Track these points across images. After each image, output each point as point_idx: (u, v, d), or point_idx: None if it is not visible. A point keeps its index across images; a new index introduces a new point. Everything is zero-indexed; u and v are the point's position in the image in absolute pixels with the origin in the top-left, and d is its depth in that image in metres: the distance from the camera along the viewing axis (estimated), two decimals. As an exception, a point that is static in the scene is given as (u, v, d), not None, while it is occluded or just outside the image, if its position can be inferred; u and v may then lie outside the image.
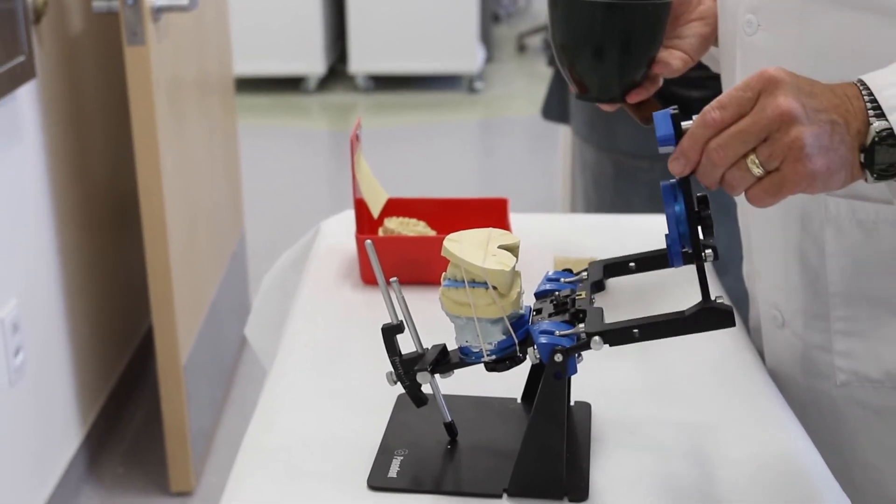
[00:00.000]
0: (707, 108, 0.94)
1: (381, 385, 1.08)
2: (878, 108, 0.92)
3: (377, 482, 1.03)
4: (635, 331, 0.98)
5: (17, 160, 2.26)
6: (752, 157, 0.91)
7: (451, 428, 1.08)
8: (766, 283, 1.28)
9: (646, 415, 1.15)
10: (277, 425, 1.15)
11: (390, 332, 1.04)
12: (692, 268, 1.51)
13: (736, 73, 1.21)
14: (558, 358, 0.97)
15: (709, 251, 0.99)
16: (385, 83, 6.56)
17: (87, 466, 2.66)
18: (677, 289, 1.46)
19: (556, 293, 1.08)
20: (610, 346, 0.98)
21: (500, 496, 1.01)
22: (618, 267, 1.11)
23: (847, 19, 1.07)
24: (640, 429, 1.12)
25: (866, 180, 0.93)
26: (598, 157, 2.60)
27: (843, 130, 0.92)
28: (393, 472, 1.04)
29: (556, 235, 1.65)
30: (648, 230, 1.68)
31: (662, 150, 0.96)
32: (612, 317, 1.38)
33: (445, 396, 1.08)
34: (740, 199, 1.32)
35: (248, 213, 3.68)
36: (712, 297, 0.99)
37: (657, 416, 1.14)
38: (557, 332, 0.99)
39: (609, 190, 2.59)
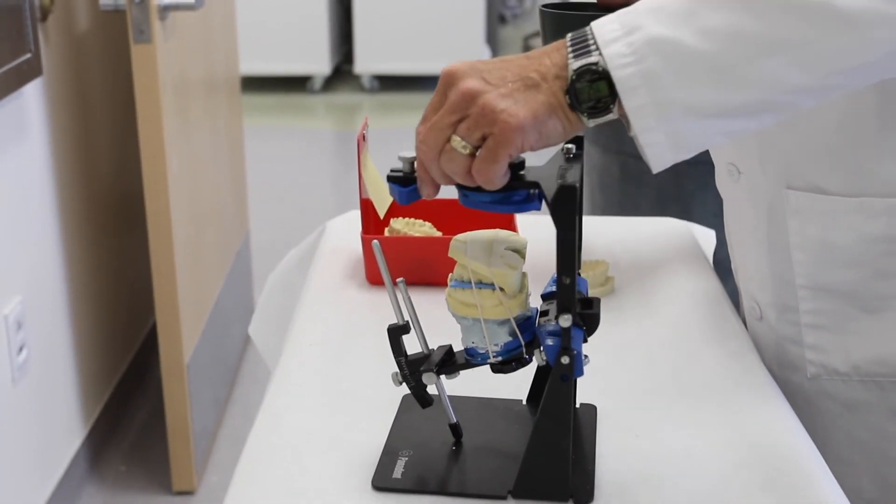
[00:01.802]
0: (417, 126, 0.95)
1: (386, 386, 1.08)
2: (583, 50, 0.91)
3: (381, 483, 1.02)
4: None
5: (22, 157, 2.26)
6: (454, 137, 0.92)
7: (456, 429, 1.08)
8: (744, 275, 1.32)
9: (652, 417, 1.14)
10: (282, 425, 1.14)
11: (396, 333, 1.03)
12: (699, 271, 1.51)
13: None
14: (565, 360, 0.96)
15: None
16: (391, 83, 6.56)
17: (89, 464, 2.66)
18: (683, 292, 1.46)
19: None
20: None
21: (504, 498, 1.00)
22: None
23: None
24: (646, 431, 1.12)
25: (586, 124, 0.93)
26: (605, 159, 2.60)
27: (538, 80, 0.91)
28: (397, 472, 1.03)
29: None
30: (655, 232, 1.68)
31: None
32: (615, 318, 1.38)
33: (451, 397, 1.07)
34: (724, 198, 1.35)
35: (253, 212, 3.68)
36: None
37: (663, 419, 1.14)
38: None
39: (615, 192, 2.59)
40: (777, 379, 1.24)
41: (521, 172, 0.95)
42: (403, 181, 0.98)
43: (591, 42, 0.91)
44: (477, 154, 0.91)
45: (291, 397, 1.20)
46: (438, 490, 1.02)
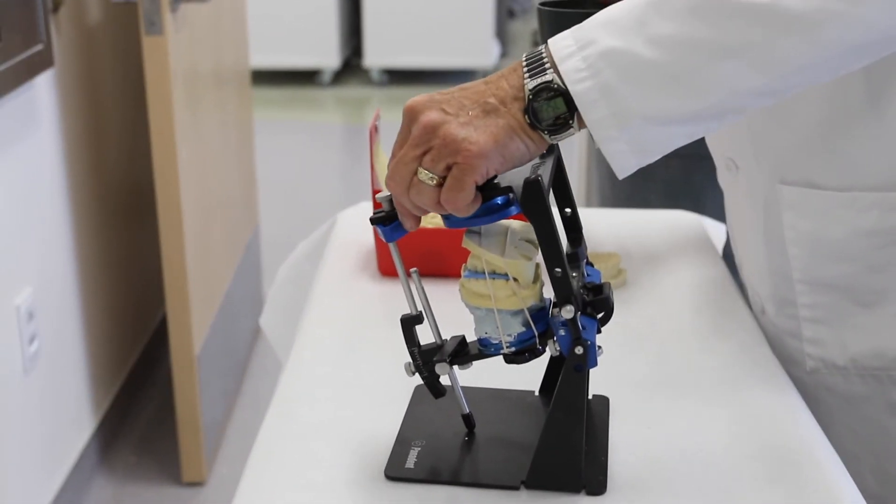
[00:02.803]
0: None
1: (399, 376, 1.08)
2: (538, 68, 0.93)
3: (394, 473, 1.02)
4: None
5: (34, 148, 2.27)
6: (420, 170, 0.93)
7: (468, 420, 1.08)
8: (747, 270, 1.32)
9: (664, 408, 1.14)
10: (294, 415, 1.14)
11: (409, 323, 1.03)
12: (710, 264, 1.51)
13: None
14: (579, 350, 0.96)
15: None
16: (400, 77, 6.56)
17: (99, 455, 2.67)
18: (695, 285, 1.46)
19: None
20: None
21: (517, 488, 1.00)
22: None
23: None
24: (658, 422, 1.12)
25: (548, 141, 0.94)
26: (615, 152, 2.59)
27: (496, 104, 0.93)
28: (410, 462, 1.04)
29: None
30: (666, 225, 1.68)
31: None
32: (627, 310, 1.38)
33: (463, 388, 1.07)
34: (724, 192, 1.36)
35: (263, 205, 3.69)
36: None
37: (675, 410, 1.14)
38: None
39: (624, 185, 2.58)
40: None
41: (496, 181, 0.96)
42: (386, 220, 0.99)
43: (546, 60, 0.93)
44: (444, 184, 0.93)
45: (303, 388, 1.20)
46: (451, 480, 1.02)
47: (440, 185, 0.93)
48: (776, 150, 1.19)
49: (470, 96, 0.94)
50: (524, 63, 0.94)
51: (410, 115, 0.95)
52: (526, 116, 0.92)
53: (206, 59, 2.80)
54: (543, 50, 0.94)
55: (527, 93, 0.92)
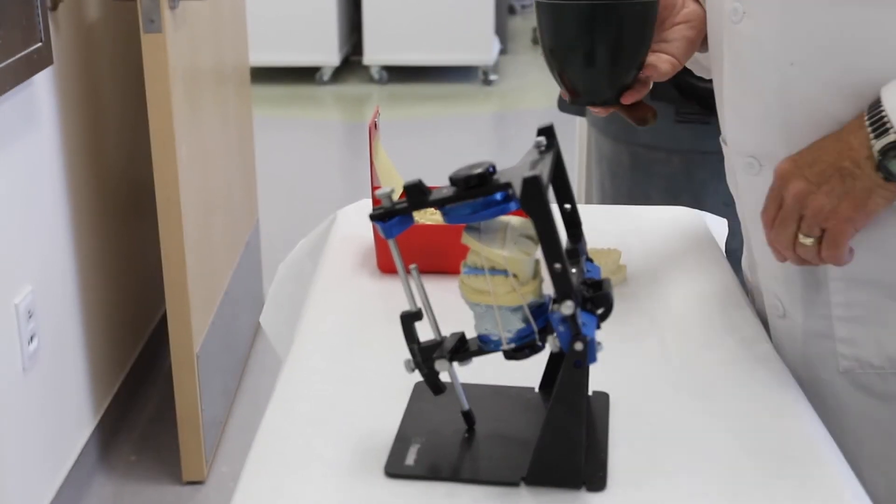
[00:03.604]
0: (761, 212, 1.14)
1: (399, 373, 1.08)
2: (881, 126, 1.03)
3: (394, 469, 1.02)
4: None
5: (33, 146, 2.26)
6: (799, 235, 1.10)
7: (468, 416, 1.08)
8: (766, 273, 1.29)
9: (664, 405, 1.14)
10: (294, 413, 1.14)
11: (409, 320, 1.03)
12: (711, 259, 1.51)
13: (724, 63, 1.22)
14: (579, 346, 0.96)
15: None
16: (399, 74, 6.56)
17: (99, 454, 2.67)
18: (696, 281, 1.45)
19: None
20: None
21: (517, 485, 1.00)
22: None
23: (830, 6, 1.08)
24: (659, 419, 1.12)
25: None
26: (616, 148, 2.59)
27: (851, 168, 1.05)
28: (410, 459, 1.03)
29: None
30: (667, 221, 1.67)
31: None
32: (628, 306, 1.38)
33: (463, 385, 1.07)
34: (737, 191, 1.33)
35: (262, 202, 3.68)
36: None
37: (676, 407, 1.14)
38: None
39: (626, 181, 2.58)
40: (801, 377, 1.22)
41: (495, 177, 0.96)
42: (385, 217, 1.00)
43: (886, 118, 1.03)
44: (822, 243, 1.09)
45: (303, 385, 1.20)
46: (451, 477, 1.02)
47: (819, 241, 1.09)
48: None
49: (827, 159, 1.07)
50: (867, 121, 1.05)
51: (780, 182, 1.11)
52: (879, 173, 1.04)
53: (206, 57, 2.80)
54: (882, 108, 1.03)
55: (875, 153, 1.03)
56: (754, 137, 1.21)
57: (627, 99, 1.26)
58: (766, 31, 1.14)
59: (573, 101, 1.29)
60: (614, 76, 1.25)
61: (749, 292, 1.41)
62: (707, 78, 1.43)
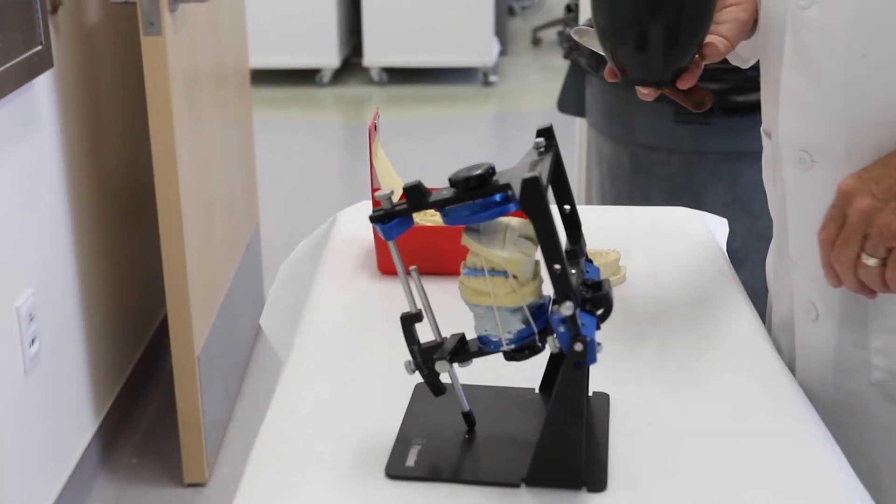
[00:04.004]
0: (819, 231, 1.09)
1: (399, 374, 1.08)
2: None
3: (395, 471, 1.02)
4: None
5: (33, 149, 2.27)
6: (862, 255, 1.05)
7: (468, 417, 1.08)
8: (803, 275, 1.23)
9: (664, 405, 1.14)
10: (295, 414, 1.14)
11: (409, 321, 1.03)
12: (711, 260, 1.51)
13: (784, 51, 1.16)
14: (578, 347, 0.96)
15: None
16: (399, 76, 6.56)
17: (100, 457, 2.67)
18: (696, 281, 1.46)
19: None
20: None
21: (518, 486, 1.00)
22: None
23: None
24: (659, 419, 1.12)
25: None
26: (615, 149, 2.59)
27: None
28: (411, 461, 1.04)
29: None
30: (667, 221, 1.67)
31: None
32: (628, 307, 1.38)
33: (463, 386, 1.07)
34: (775, 186, 1.28)
35: (263, 204, 3.69)
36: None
37: (675, 407, 1.14)
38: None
39: (626, 182, 2.58)
40: (829, 384, 1.20)
41: (495, 178, 0.96)
42: (385, 218, 1.00)
43: None
44: (886, 263, 1.04)
45: (303, 387, 1.20)
46: (452, 478, 1.02)
47: (882, 264, 1.04)
48: (876, 145, 1.10)
49: (888, 175, 1.03)
50: None
51: (844, 199, 1.05)
52: None
53: (206, 59, 2.80)
54: None
55: None
56: (812, 130, 1.15)
57: (685, 83, 1.19)
58: (838, 20, 1.09)
59: (624, 82, 1.21)
60: (672, 57, 1.17)
61: (775, 294, 1.36)
62: (743, 67, 1.38)
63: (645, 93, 1.22)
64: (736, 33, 1.21)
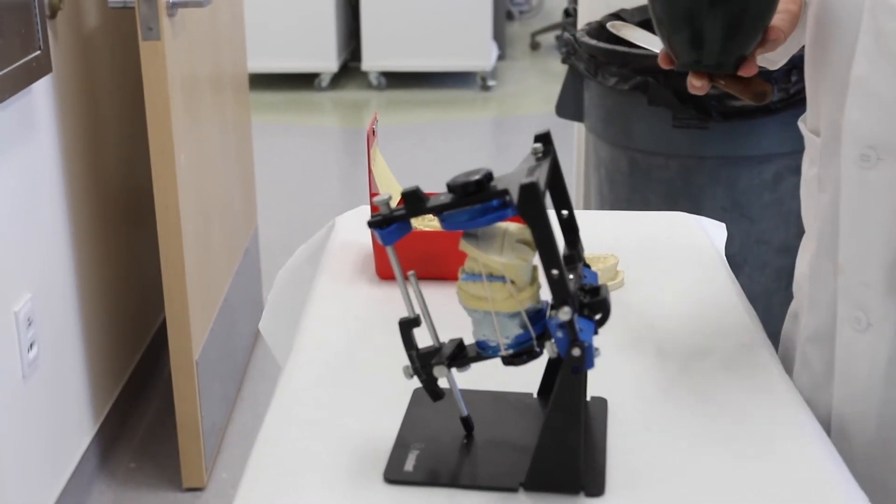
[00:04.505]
0: None
1: (397, 379, 1.08)
2: None
3: (393, 476, 1.03)
4: None
5: (32, 154, 2.27)
6: None
7: (467, 422, 1.08)
8: (853, 281, 1.15)
9: (662, 410, 1.14)
10: (293, 419, 1.14)
11: (407, 326, 1.03)
12: (710, 265, 1.51)
13: (859, 40, 1.10)
14: (576, 352, 0.96)
15: None
16: (398, 80, 6.56)
17: (99, 461, 2.67)
18: (694, 286, 1.46)
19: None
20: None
21: (516, 490, 1.01)
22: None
23: None
24: (657, 424, 1.12)
25: None
26: (614, 154, 2.60)
27: None
28: (409, 465, 1.04)
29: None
30: (666, 226, 1.68)
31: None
32: (626, 312, 1.38)
33: (462, 391, 1.07)
34: (822, 185, 1.21)
35: (261, 208, 3.69)
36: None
37: (673, 412, 1.14)
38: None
39: (624, 187, 2.59)
40: (876, 397, 1.15)
41: (492, 183, 0.96)
42: (384, 223, 1.00)
43: None
44: None
45: (302, 392, 1.20)
46: (450, 483, 1.02)
47: None
48: None
49: None
50: None
51: None
52: None
53: (204, 64, 2.80)
54: None
55: None
56: (882, 125, 1.09)
57: (747, 70, 1.11)
58: None
59: (681, 68, 1.13)
60: (737, 42, 1.10)
61: (806, 303, 1.29)
62: (771, 69, 1.32)
63: (697, 85, 1.14)
64: (788, 24, 1.15)
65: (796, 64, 1.58)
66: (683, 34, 1.11)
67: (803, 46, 1.25)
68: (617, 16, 2.76)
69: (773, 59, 1.30)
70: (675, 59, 1.14)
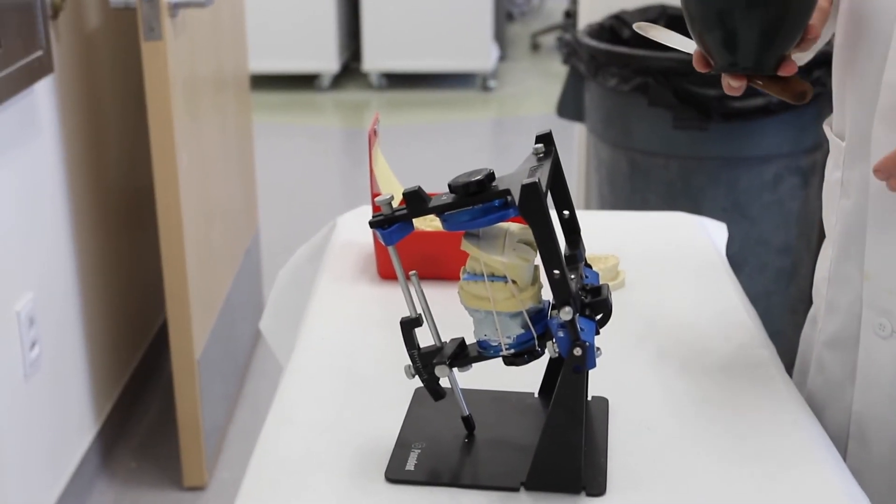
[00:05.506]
0: None
1: (399, 379, 1.08)
2: None
3: (395, 475, 1.03)
4: None
5: (34, 154, 2.27)
6: None
7: (468, 422, 1.09)
8: (878, 287, 1.14)
9: (663, 410, 1.15)
10: (295, 419, 1.15)
11: (409, 326, 1.04)
12: (711, 265, 1.52)
13: (892, 43, 1.07)
14: (578, 352, 0.97)
15: None
16: (399, 81, 6.57)
17: (100, 460, 2.67)
18: (695, 286, 1.46)
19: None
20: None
21: (517, 490, 1.01)
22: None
23: None
24: (658, 424, 1.12)
25: None
26: (614, 154, 2.60)
27: None
28: (410, 465, 1.04)
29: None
30: (667, 226, 1.68)
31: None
32: (627, 312, 1.38)
33: (463, 390, 1.08)
34: (845, 188, 1.18)
35: (262, 209, 3.69)
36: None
37: (674, 412, 1.14)
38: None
39: (625, 187, 2.59)
40: None
41: (494, 183, 0.96)
42: (385, 223, 1.01)
43: None
44: None
45: (303, 391, 1.21)
46: (451, 482, 1.02)
47: None
48: None
49: None
50: None
51: None
52: None
53: (206, 64, 2.81)
54: None
55: None
56: None
57: (787, 69, 1.07)
58: None
59: (719, 70, 1.09)
60: (779, 42, 1.05)
61: (825, 308, 1.26)
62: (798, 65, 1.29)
63: (735, 86, 1.10)
64: (820, 22, 1.10)
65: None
66: (720, 35, 1.06)
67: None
68: (618, 17, 2.76)
69: (800, 56, 1.23)
70: (711, 61, 1.10)
